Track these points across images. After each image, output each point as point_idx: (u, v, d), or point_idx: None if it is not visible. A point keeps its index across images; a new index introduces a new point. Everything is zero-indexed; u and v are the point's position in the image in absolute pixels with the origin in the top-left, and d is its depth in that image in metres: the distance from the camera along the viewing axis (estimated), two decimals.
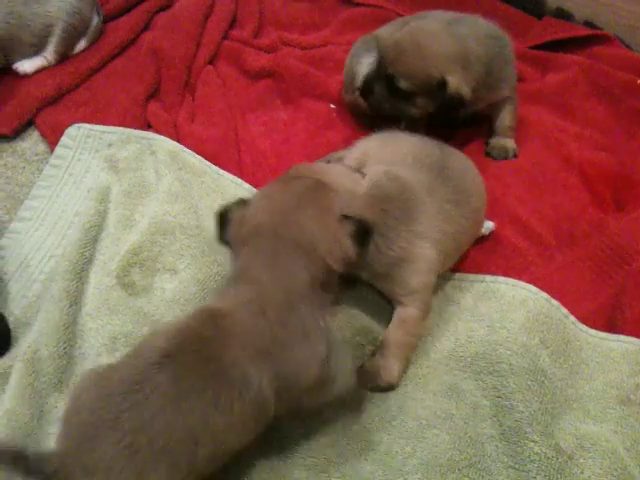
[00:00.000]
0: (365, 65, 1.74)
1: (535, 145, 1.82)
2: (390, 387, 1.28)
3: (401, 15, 2.13)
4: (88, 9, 1.91)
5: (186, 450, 0.94)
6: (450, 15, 1.75)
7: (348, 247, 1.15)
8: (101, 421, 0.92)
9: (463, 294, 1.44)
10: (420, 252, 1.31)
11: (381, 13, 2.20)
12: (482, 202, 1.47)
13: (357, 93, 1.73)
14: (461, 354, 1.34)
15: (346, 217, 1.16)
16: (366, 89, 1.65)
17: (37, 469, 0.92)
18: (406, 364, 1.31)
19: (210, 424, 0.96)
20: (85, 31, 1.92)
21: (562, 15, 2.22)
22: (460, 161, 1.46)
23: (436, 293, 1.42)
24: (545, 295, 1.40)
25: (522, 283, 1.43)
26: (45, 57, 1.88)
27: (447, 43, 1.58)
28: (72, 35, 1.91)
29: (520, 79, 1.93)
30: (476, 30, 1.66)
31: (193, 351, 0.98)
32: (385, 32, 1.86)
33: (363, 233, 1.17)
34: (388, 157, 1.42)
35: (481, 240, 1.54)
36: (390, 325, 1.32)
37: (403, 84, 1.57)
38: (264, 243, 1.11)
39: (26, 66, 1.85)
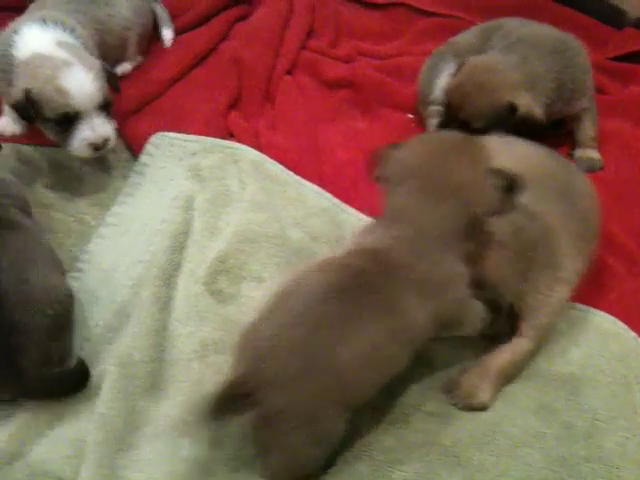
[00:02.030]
0: (444, 76, 1.74)
1: (617, 157, 1.79)
2: (482, 408, 1.27)
3: (474, 23, 2.12)
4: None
5: (353, 374, 1.05)
6: (518, 23, 1.75)
7: (494, 198, 1.19)
8: (278, 347, 1.04)
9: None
10: (559, 297, 1.30)
11: (455, 23, 2.19)
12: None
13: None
14: (554, 374, 1.32)
15: (495, 171, 1.20)
16: None
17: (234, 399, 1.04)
18: (499, 382, 1.29)
19: (374, 351, 1.06)
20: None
21: None
22: (583, 184, 1.44)
23: None
24: (633, 334, 1.39)
25: (612, 318, 1.42)
26: (130, 61, 1.93)
27: (506, 72, 1.59)
28: (146, 37, 1.96)
29: (599, 91, 1.90)
30: (539, 47, 1.65)
31: (357, 285, 1.08)
32: (461, 40, 1.85)
33: (511, 187, 1.20)
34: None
35: None
36: (498, 348, 1.30)
37: (477, 124, 1.57)
38: (419, 184, 1.18)
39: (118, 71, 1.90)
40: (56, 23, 1.60)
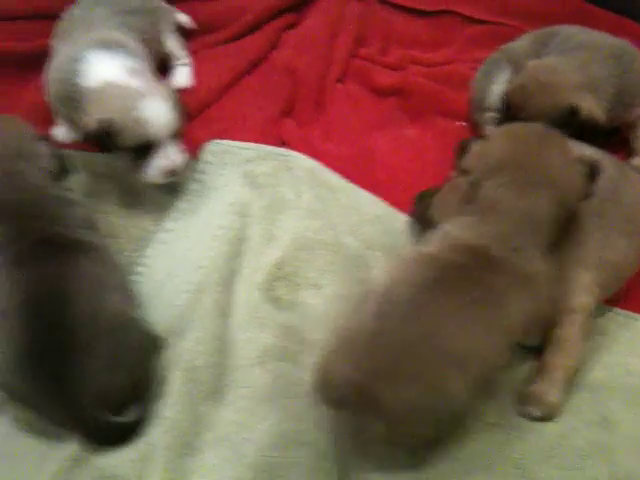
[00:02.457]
0: (500, 83, 1.74)
1: None
2: (550, 414, 1.26)
3: (525, 31, 2.11)
4: None
5: (467, 364, 1.08)
6: (576, 29, 1.75)
7: (582, 185, 1.23)
8: (386, 338, 1.07)
9: (617, 328, 1.42)
10: (574, 276, 1.29)
11: (504, 30, 2.16)
12: None
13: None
14: (616, 385, 1.31)
15: (578, 159, 1.23)
16: None
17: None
18: (567, 389, 1.28)
19: (482, 343, 1.09)
20: None
21: None
22: (637, 187, 1.44)
23: None
24: None
25: None
26: (184, 63, 1.97)
27: (569, 74, 1.59)
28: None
29: None
30: (598, 52, 1.65)
31: (461, 279, 1.11)
32: (516, 47, 1.84)
33: (592, 175, 1.24)
34: None
35: None
36: (548, 348, 1.30)
37: None
38: (511, 177, 1.20)
39: (182, 81, 1.94)
40: (119, 47, 1.60)
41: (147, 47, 1.80)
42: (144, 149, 1.52)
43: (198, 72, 1.97)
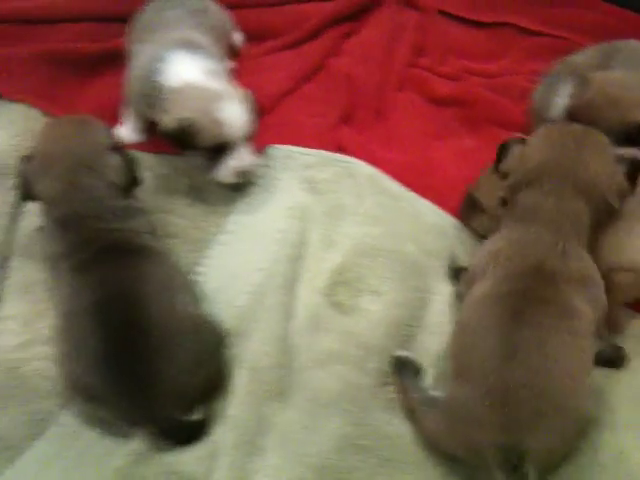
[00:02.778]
0: (563, 96, 1.73)
1: None
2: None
3: (582, 45, 2.10)
4: None
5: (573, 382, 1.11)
6: None
7: (624, 183, 1.25)
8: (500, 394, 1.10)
9: None
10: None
11: (561, 43, 2.16)
12: None
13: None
14: None
15: (618, 157, 1.26)
16: None
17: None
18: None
19: (565, 355, 1.11)
20: None
21: None
22: None
23: None
24: None
25: None
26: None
27: (638, 90, 1.56)
28: None
29: None
30: None
31: (531, 305, 1.14)
32: (579, 60, 1.83)
33: (634, 172, 1.26)
34: None
35: None
36: None
37: None
38: (550, 182, 1.23)
39: None
40: (198, 48, 1.65)
41: (219, 46, 1.85)
42: (218, 149, 1.56)
43: (258, 78, 1.99)
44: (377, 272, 1.48)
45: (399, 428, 1.26)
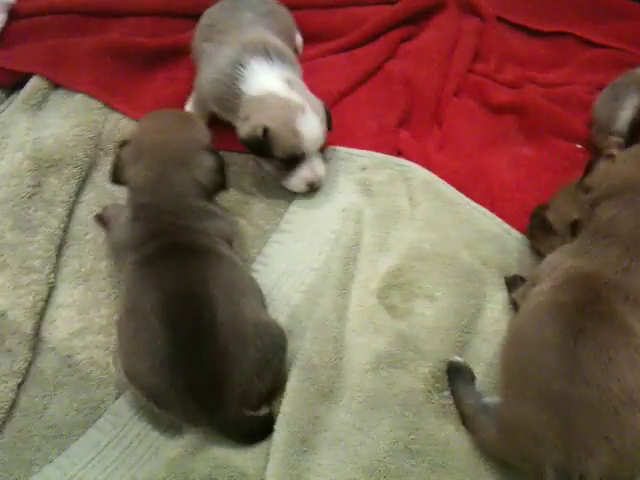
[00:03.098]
0: (628, 109, 1.71)
1: None
2: None
3: None
4: None
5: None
6: None
7: None
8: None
9: None
10: None
11: (622, 56, 2.13)
12: None
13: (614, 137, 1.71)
14: None
15: None
16: None
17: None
18: None
19: (628, 374, 1.08)
20: None
21: None
22: None
23: None
24: None
25: None
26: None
27: None
28: None
29: None
30: None
31: (588, 320, 1.11)
32: None
33: None
34: None
35: None
36: None
37: None
38: (631, 196, 1.20)
39: None
40: (279, 55, 1.66)
41: (289, 48, 1.86)
42: (293, 159, 1.60)
43: (314, 79, 1.99)
44: (431, 277, 1.47)
45: (452, 434, 1.25)
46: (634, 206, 1.19)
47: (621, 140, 1.70)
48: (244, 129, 1.57)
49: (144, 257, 1.29)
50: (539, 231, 1.51)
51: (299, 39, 2.09)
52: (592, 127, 1.83)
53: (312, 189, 1.67)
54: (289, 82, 1.62)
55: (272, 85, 1.60)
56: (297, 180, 1.64)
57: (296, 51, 2.05)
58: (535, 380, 1.12)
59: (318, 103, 1.64)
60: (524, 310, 1.25)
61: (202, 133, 1.45)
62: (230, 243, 1.41)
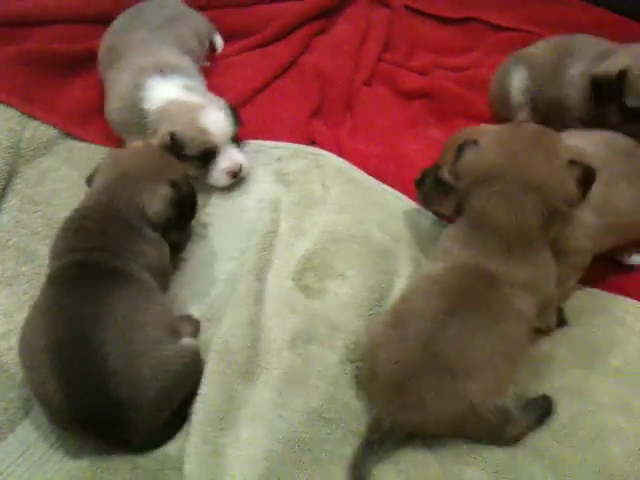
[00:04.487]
0: (519, 80, 1.82)
1: None
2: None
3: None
4: None
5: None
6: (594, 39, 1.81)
7: (573, 190, 1.25)
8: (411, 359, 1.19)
9: (632, 319, 1.48)
10: (578, 216, 1.34)
11: (529, 37, 2.21)
12: None
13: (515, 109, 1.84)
14: (631, 371, 1.37)
15: (572, 162, 1.25)
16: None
17: None
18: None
19: (498, 351, 1.19)
20: None
21: None
22: None
23: (604, 314, 1.49)
24: None
25: None
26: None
27: None
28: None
29: None
30: None
31: (469, 303, 1.21)
32: (533, 54, 1.90)
33: (587, 179, 1.26)
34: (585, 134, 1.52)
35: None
36: None
37: None
38: (499, 185, 1.23)
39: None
40: (173, 68, 1.75)
41: (195, 51, 1.93)
42: (208, 155, 1.67)
43: (231, 76, 2.06)
44: (344, 257, 1.54)
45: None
46: (500, 195, 1.23)
47: (526, 112, 1.81)
48: (155, 142, 1.64)
49: (53, 273, 1.32)
50: (437, 193, 1.53)
51: (218, 40, 2.15)
52: (492, 105, 1.93)
53: (236, 178, 1.73)
54: (186, 88, 1.71)
55: (170, 94, 1.69)
56: (218, 173, 1.70)
57: (214, 50, 2.12)
58: (402, 328, 1.22)
59: (220, 101, 1.73)
60: (419, 278, 1.33)
61: (167, 166, 1.49)
62: (153, 272, 1.39)
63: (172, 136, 1.61)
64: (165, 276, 1.47)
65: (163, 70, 1.73)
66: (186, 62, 1.85)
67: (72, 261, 1.31)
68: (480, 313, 1.20)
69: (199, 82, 1.82)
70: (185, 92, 1.70)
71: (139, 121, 1.71)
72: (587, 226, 1.38)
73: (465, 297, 1.21)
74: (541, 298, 1.26)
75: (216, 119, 1.66)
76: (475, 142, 1.30)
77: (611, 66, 1.58)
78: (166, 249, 1.45)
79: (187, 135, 1.63)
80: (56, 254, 1.35)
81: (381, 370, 1.22)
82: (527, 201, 1.21)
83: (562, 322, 1.44)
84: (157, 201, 1.40)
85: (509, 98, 1.85)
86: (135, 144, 1.68)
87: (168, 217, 1.42)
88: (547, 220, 1.23)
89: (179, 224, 1.49)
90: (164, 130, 1.63)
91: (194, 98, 1.69)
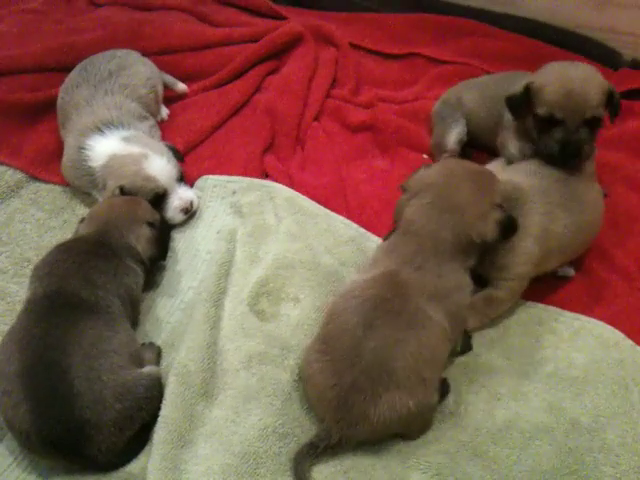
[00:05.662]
0: (454, 134, 1.97)
1: (617, 187, 1.95)
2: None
3: (487, 72, 2.33)
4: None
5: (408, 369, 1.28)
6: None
7: (491, 229, 1.37)
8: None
9: (562, 327, 1.61)
10: (520, 244, 1.49)
11: (467, 69, 2.38)
12: (595, 217, 1.63)
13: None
14: (562, 377, 1.50)
15: (500, 206, 1.38)
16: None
17: None
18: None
19: (417, 356, 1.28)
20: None
21: (637, 66, 2.37)
22: (584, 182, 1.63)
23: (538, 324, 1.61)
24: (630, 342, 1.56)
25: (611, 328, 1.58)
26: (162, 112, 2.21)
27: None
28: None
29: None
30: None
31: (383, 314, 1.30)
32: (466, 100, 2.04)
33: (507, 227, 1.39)
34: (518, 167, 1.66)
35: (569, 278, 1.71)
36: (474, 297, 1.52)
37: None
38: (427, 198, 1.37)
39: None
40: (111, 125, 1.85)
41: (141, 98, 2.03)
42: (159, 199, 1.78)
43: (189, 116, 2.18)
44: (296, 282, 1.65)
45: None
46: (428, 207, 1.36)
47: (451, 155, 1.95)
48: (107, 196, 1.75)
49: (30, 298, 1.44)
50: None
51: (181, 86, 2.28)
52: (432, 143, 2.07)
53: (189, 214, 1.84)
54: (126, 140, 1.81)
55: (111, 149, 1.79)
56: (172, 212, 1.82)
57: (171, 88, 2.25)
58: (331, 352, 1.32)
59: (161, 146, 1.84)
60: (346, 291, 1.41)
61: (145, 211, 1.67)
62: (126, 301, 1.53)
63: (121, 189, 1.72)
64: (137, 304, 1.61)
65: (101, 128, 1.83)
66: (131, 109, 1.94)
67: (47, 291, 1.43)
68: (395, 323, 1.29)
69: (141, 130, 1.90)
70: (125, 145, 1.79)
71: (89, 177, 1.83)
72: (529, 253, 1.52)
73: (380, 309, 1.30)
74: (450, 309, 1.34)
75: (160, 165, 1.77)
76: (428, 165, 1.47)
77: (519, 86, 1.70)
78: (141, 280, 1.62)
79: (135, 186, 1.73)
80: (38, 277, 1.48)
81: (322, 396, 1.32)
82: (446, 218, 1.35)
83: (468, 346, 1.54)
84: (141, 240, 1.62)
85: (444, 145, 2.00)
86: (108, 197, 1.75)
87: (153, 253, 1.65)
88: (462, 243, 1.35)
89: (160, 257, 1.70)
90: (112, 185, 1.73)
91: (135, 149, 1.78)
